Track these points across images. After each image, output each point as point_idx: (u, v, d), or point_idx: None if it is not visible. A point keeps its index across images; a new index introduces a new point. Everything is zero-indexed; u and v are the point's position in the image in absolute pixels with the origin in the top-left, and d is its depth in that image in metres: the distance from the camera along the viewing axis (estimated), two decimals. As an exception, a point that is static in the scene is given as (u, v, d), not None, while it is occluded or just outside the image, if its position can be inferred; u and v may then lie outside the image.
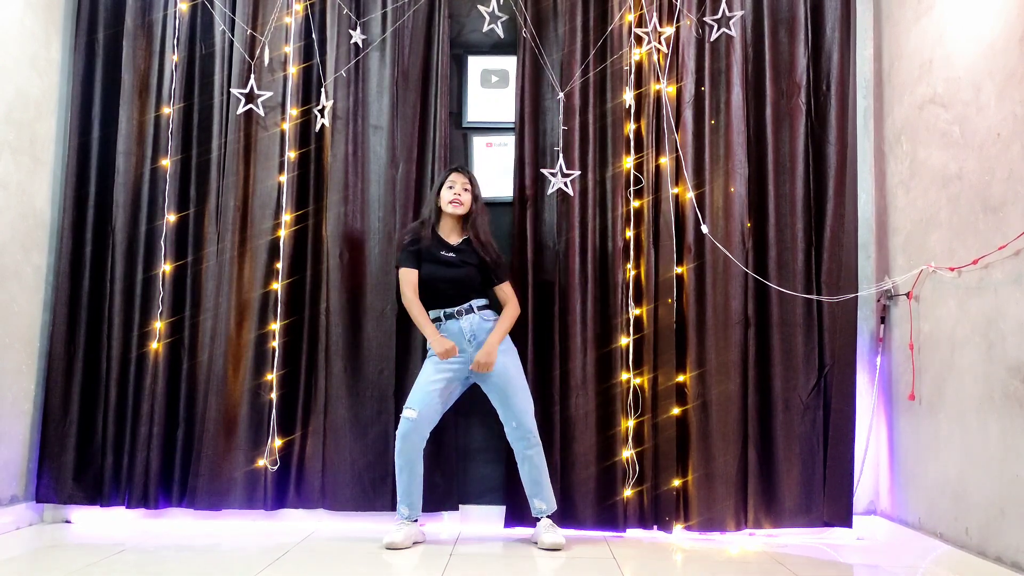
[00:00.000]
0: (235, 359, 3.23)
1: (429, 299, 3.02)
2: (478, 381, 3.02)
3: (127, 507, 3.17)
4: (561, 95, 3.31)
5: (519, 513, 3.14)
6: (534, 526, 3.04)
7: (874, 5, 3.40)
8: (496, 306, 3.09)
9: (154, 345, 3.22)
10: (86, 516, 3.22)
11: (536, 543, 2.94)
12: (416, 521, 2.99)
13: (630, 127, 3.29)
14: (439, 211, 3.08)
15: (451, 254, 3.02)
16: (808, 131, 3.26)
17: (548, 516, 2.97)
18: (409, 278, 3.01)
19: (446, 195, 3.04)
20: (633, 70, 3.31)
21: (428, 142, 3.35)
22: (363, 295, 3.27)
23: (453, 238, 3.08)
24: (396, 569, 2.65)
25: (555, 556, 2.81)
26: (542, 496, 2.95)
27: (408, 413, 2.92)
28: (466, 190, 3.06)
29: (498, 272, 3.06)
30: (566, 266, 3.24)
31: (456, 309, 3.00)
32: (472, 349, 2.98)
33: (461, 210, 3.04)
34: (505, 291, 3.08)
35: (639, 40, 3.32)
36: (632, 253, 3.25)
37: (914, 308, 3.00)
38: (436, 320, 3.01)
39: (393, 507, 3.13)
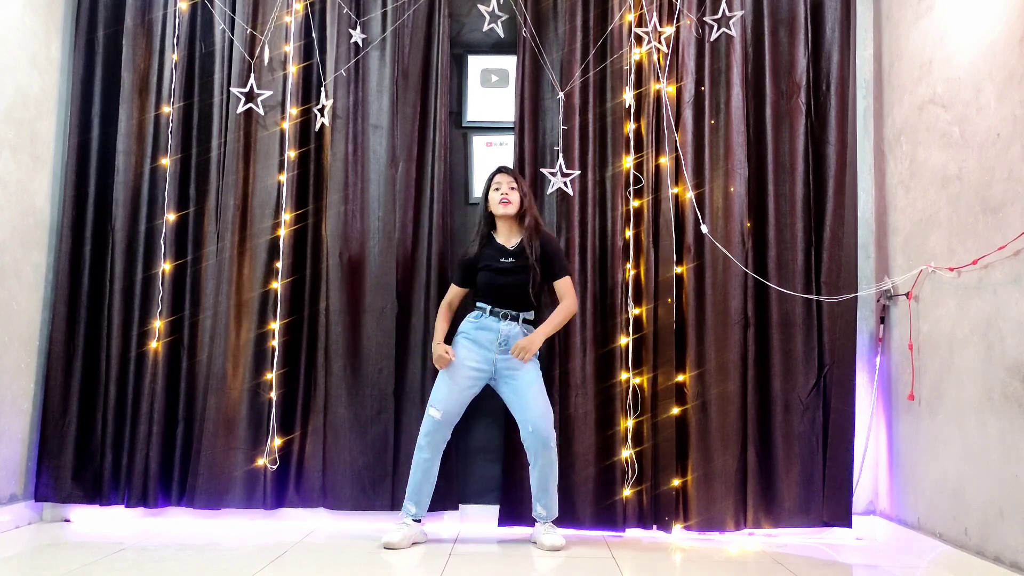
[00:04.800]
0: (235, 358, 3.23)
1: (484, 295, 3.02)
2: (500, 383, 2.99)
3: (126, 506, 3.17)
4: (561, 95, 3.31)
5: (513, 512, 3.14)
6: (528, 525, 3.05)
7: (874, 5, 3.40)
8: (544, 319, 3.03)
9: (154, 344, 3.22)
10: (85, 515, 3.22)
11: (535, 543, 2.94)
12: (419, 521, 2.99)
13: (630, 127, 3.29)
14: (491, 217, 3.08)
15: (509, 260, 3.00)
16: (808, 131, 3.26)
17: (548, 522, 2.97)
18: (450, 292, 3.12)
19: (494, 197, 3.03)
20: (633, 70, 3.31)
21: (428, 141, 3.34)
22: (363, 294, 3.27)
23: (512, 241, 3.06)
24: (396, 568, 2.65)
25: (554, 556, 2.81)
26: (545, 502, 2.94)
27: (433, 413, 2.93)
28: (512, 188, 3.03)
29: (553, 269, 3.02)
30: (566, 266, 3.24)
31: (505, 311, 2.99)
32: (498, 353, 2.96)
33: (512, 209, 3.02)
34: (561, 287, 3.02)
35: (639, 40, 3.31)
36: (632, 253, 3.25)
37: (913, 308, 3.00)
38: (480, 311, 3.01)
39: (393, 506, 3.13)
